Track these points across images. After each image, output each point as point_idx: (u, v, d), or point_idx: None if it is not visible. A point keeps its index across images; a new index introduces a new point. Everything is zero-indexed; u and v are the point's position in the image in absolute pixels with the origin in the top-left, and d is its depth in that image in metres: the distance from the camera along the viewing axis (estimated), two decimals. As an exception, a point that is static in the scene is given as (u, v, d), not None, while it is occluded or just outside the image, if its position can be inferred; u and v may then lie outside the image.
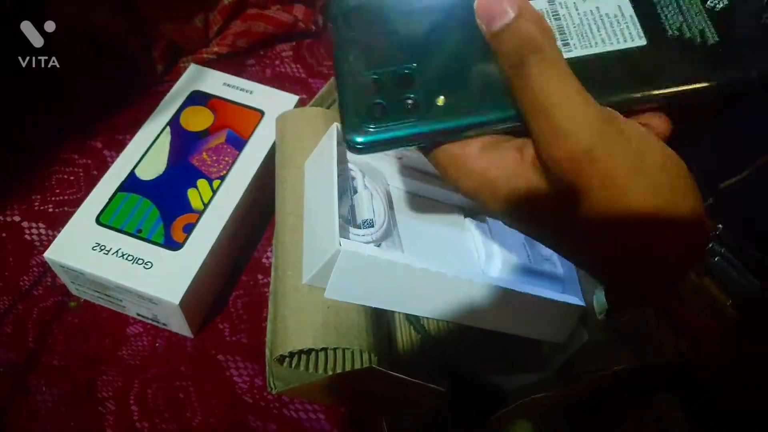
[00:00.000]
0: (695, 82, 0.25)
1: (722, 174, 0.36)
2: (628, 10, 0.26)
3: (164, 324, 0.48)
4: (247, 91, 0.56)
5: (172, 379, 0.47)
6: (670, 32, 0.25)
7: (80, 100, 0.60)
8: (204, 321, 0.50)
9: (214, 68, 0.59)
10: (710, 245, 0.24)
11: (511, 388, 0.48)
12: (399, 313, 0.50)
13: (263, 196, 0.54)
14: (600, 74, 0.25)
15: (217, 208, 0.48)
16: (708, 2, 0.26)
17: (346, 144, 0.25)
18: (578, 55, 0.25)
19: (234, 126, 0.53)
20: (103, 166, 0.50)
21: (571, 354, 0.48)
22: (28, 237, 0.54)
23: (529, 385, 0.47)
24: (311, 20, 0.71)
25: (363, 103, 0.25)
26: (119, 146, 0.51)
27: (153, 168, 0.50)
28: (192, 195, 0.49)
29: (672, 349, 0.38)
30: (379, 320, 0.45)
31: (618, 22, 0.26)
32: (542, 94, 0.22)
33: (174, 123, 0.53)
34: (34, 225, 0.55)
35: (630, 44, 0.25)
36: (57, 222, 0.47)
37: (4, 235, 0.54)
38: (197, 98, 0.55)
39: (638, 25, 0.26)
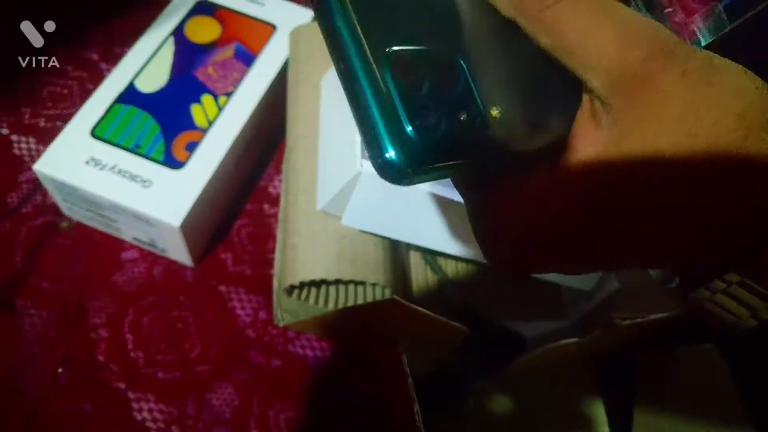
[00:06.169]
0: None
1: None
2: None
3: (162, 250, 0.45)
4: (258, 3, 0.51)
5: (169, 309, 0.44)
6: None
7: (74, 4, 0.55)
8: (205, 249, 0.47)
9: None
10: None
11: (530, 335, 0.45)
12: (415, 252, 0.46)
13: (272, 119, 0.49)
14: None
15: (223, 126, 0.44)
16: None
17: (382, 170, 0.15)
18: None
19: (243, 40, 0.49)
20: (99, 80, 0.46)
21: (596, 303, 0.45)
22: (17, 152, 0.50)
23: (551, 333, 0.44)
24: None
25: (410, 92, 0.15)
26: (117, 59, 0.47)
27: (154, 80, 0.46)
28: (196, 111, 0.44)
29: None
30: (395, 258, 0.42)
31: None
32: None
33: (178, 33, 0.48)
34: (23, 139, 0.50)
35: None
36: (48, 137, 0.43)
37: (-10, 147, 0.50)
38: (203, 7, 0.50)
39: None
